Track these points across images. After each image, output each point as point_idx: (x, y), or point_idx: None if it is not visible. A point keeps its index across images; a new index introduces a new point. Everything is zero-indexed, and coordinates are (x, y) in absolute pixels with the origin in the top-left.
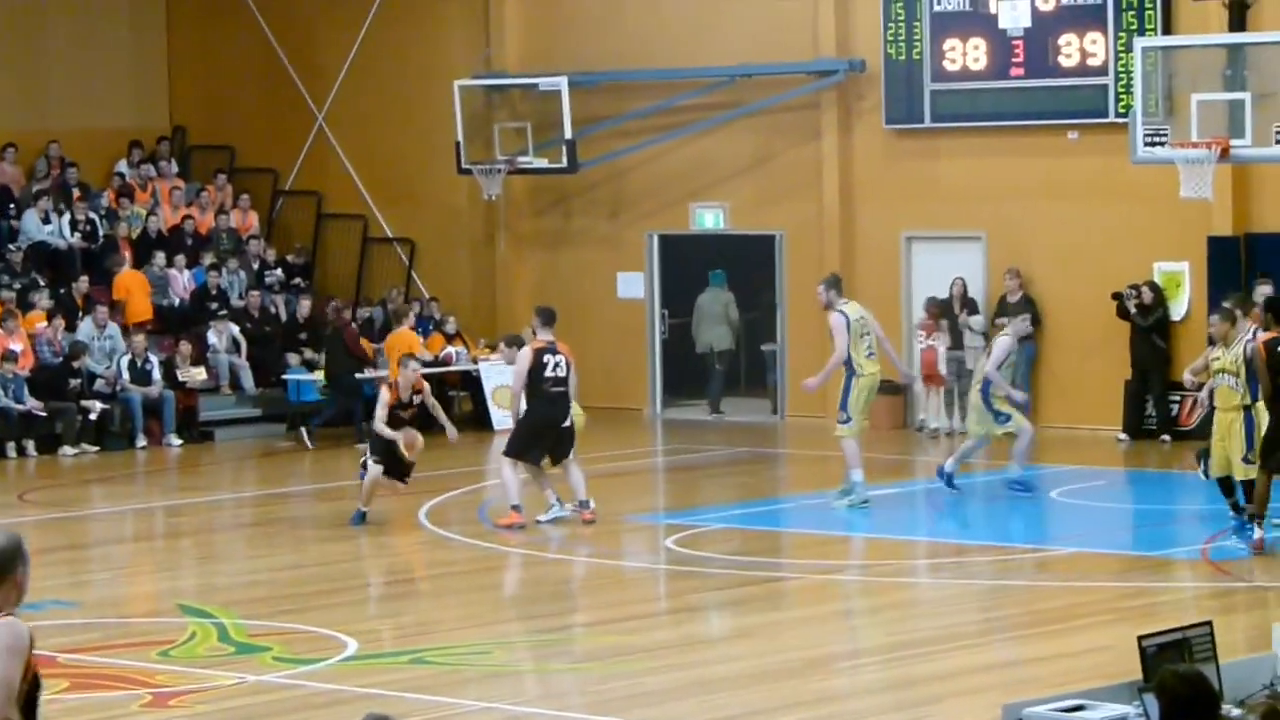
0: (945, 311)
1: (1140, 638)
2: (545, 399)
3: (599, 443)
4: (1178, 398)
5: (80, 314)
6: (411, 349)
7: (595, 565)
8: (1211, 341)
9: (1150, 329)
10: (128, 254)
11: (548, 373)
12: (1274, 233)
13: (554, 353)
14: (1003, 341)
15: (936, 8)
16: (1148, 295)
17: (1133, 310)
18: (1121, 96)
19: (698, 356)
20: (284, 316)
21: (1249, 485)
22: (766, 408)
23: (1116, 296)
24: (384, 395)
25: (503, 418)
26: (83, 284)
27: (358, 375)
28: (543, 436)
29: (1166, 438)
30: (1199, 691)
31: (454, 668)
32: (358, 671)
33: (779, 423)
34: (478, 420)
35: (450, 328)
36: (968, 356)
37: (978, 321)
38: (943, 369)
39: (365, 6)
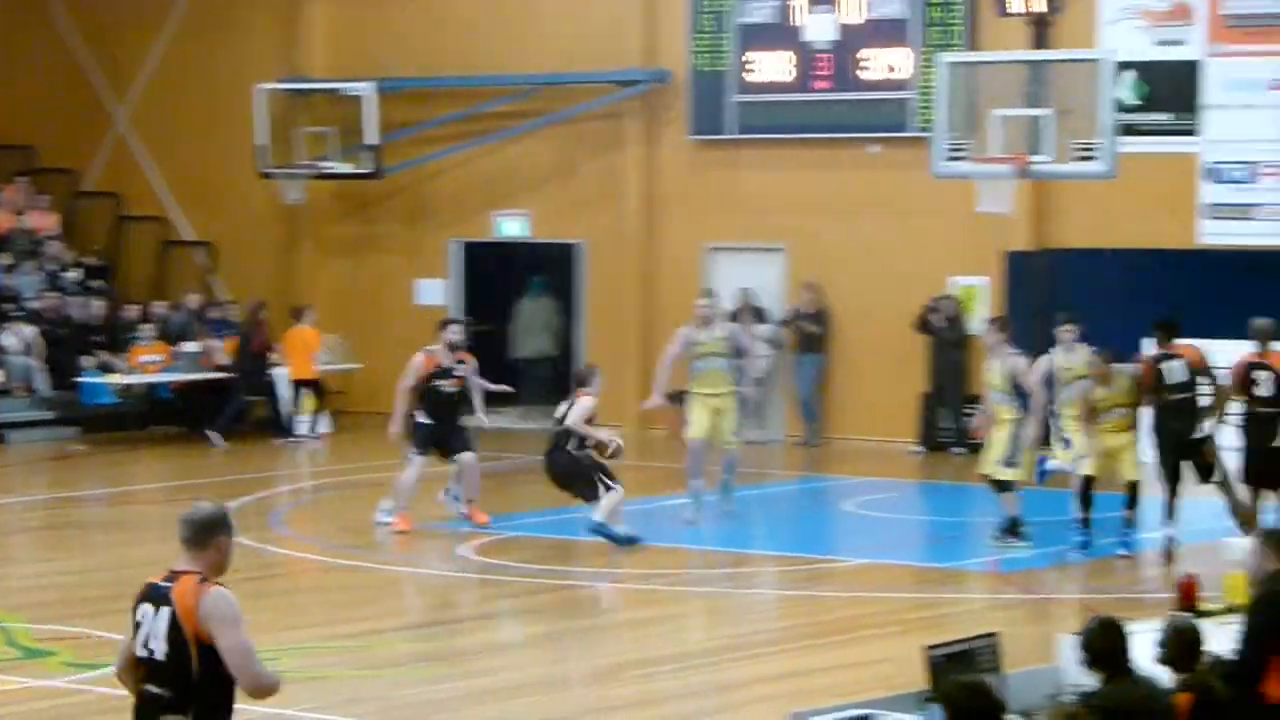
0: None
1: (927, 648)
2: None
3: (396, 448)
4: (972, 411)
5: None
6: (311, 346)
7: (392, 572)
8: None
9: (950, 343)
10: None
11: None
12: (1072, 248)
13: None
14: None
15: (743, 20)
16: (950, 309)
17: (936, 324)
18: (923, 111)
19: (505, 364)
20: (81, 319)
21: (1000, 485)
22: None
23: (928, 311)
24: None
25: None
26: None
27: (267, 374)
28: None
29: (960, 450)
30: (983, 702)
31: None
32: None
33: None
34: (273, 425)
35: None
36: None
37: (765, 330)
38: None
39: (170, 8)
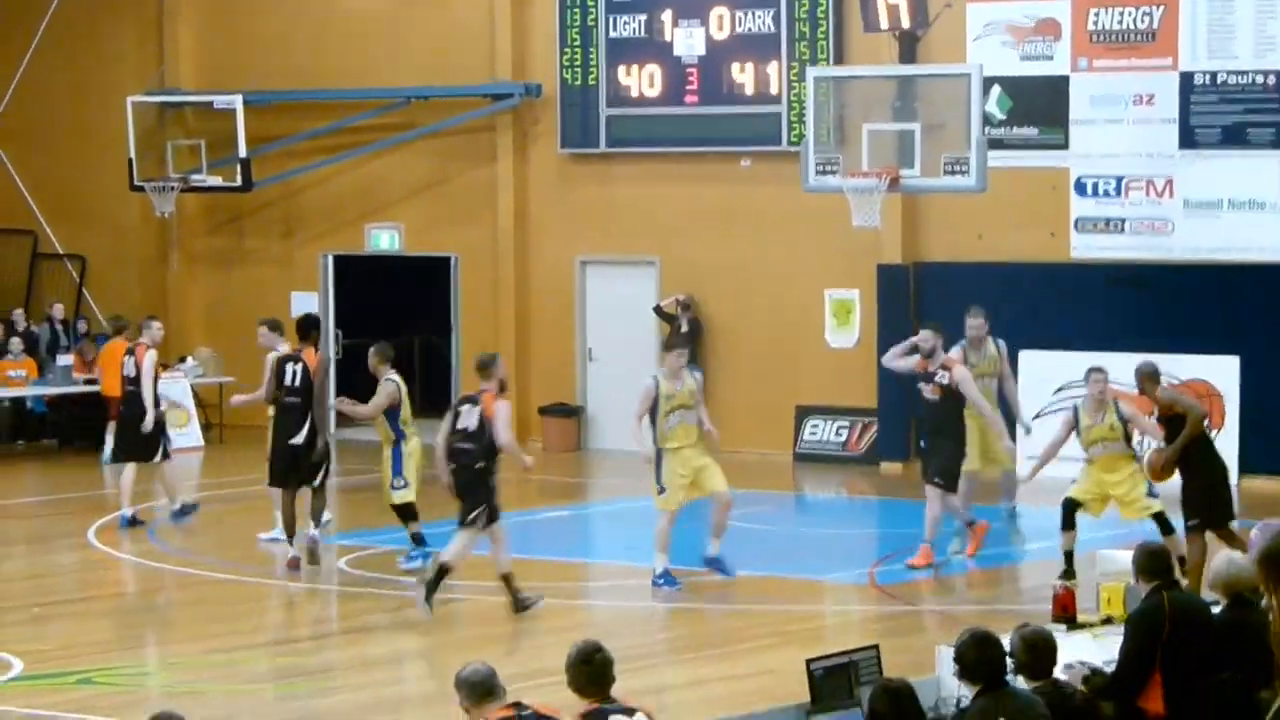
0: None
1: (808, 661)
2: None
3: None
4: (846, 423)
5: None
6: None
7: (266, 585)
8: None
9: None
10: None
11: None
12: (941, 261)
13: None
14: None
15: (612, 34)
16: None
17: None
18: (794, 125)
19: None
20: None
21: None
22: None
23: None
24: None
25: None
26: None
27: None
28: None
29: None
30: (906, 705)
31: (122, 689)
32: (23, 692)
33: None
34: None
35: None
36: None
37: None
38: None
39: (37, 19)
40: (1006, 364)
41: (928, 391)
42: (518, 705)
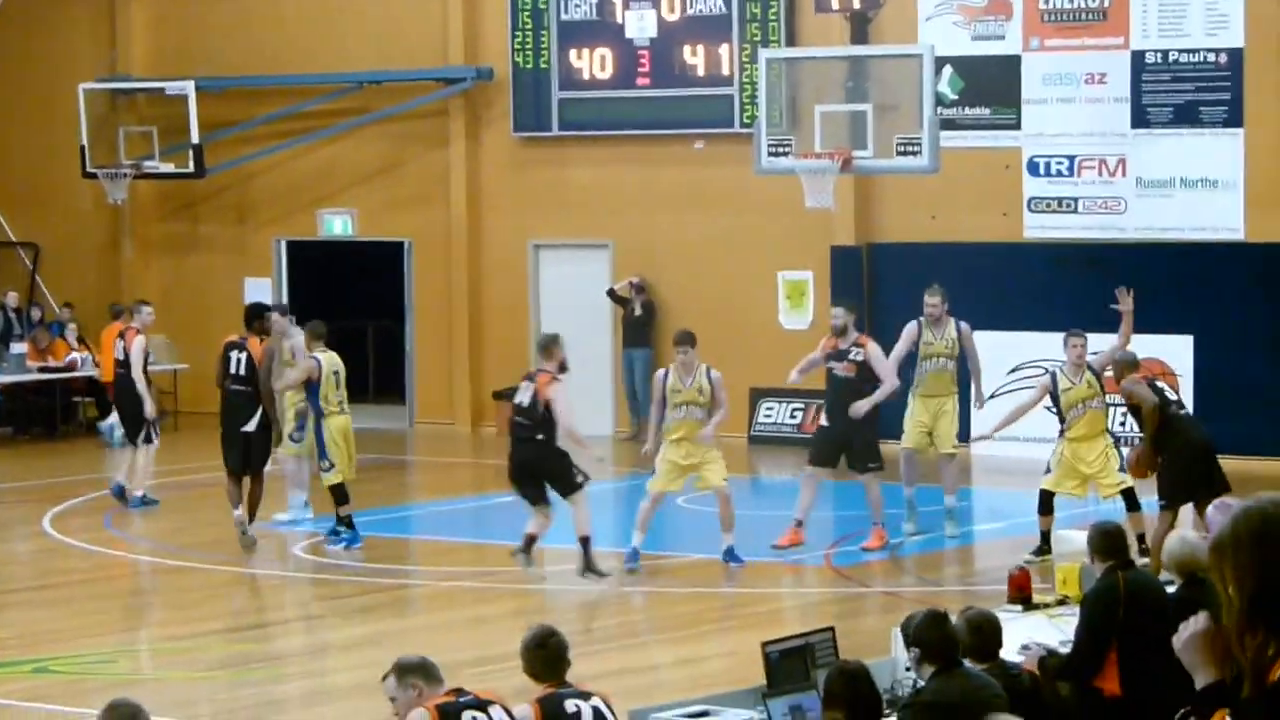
0: None
1: (764, 644)
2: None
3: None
4: (801, 405)
5: None
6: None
7: (223, 572)
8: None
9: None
10: None
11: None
12: (894, 242)
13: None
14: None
15: (564, 17)
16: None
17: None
18: (746, 107)
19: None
20: None
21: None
22: (401, 414)
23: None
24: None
25: None
26: None
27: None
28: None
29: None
30: (862, 686)
31: (78, 677)
32: None
33: (408, 430)
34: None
35: (73, 333)
36: None
37: None
38: None
39: None
40: (972, 343)
41: (840, 369)
42: (458, 691)
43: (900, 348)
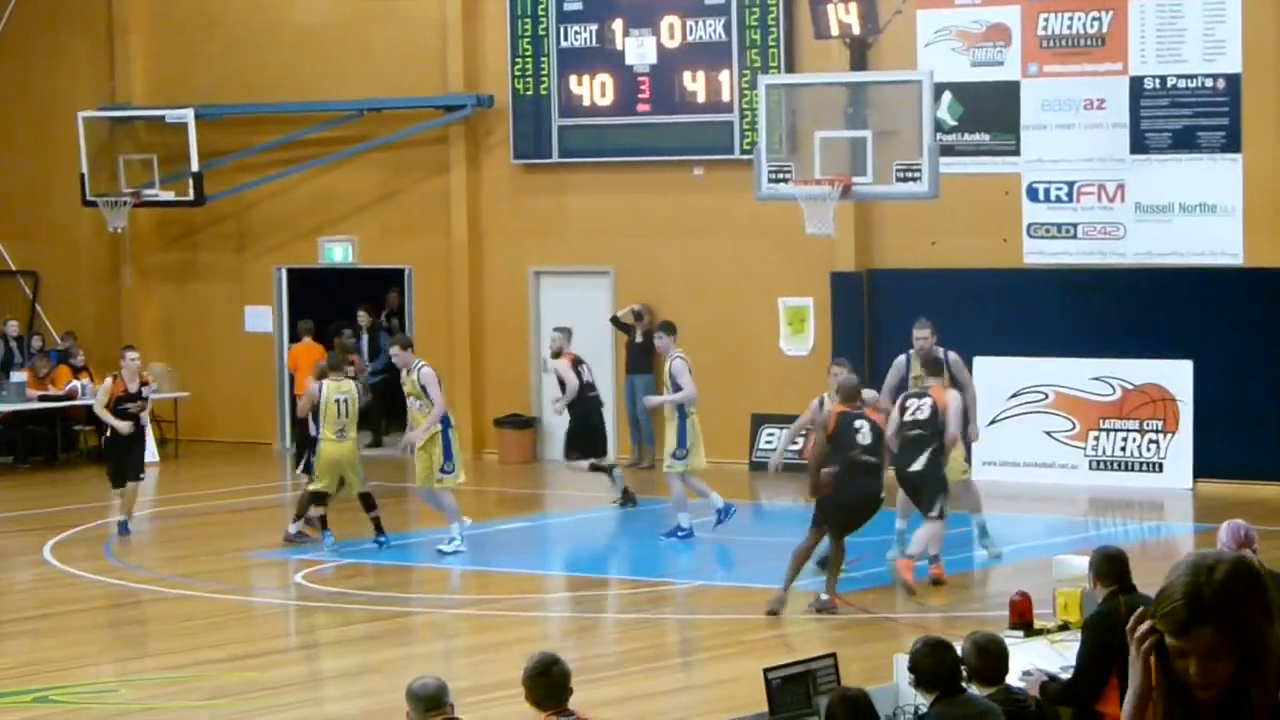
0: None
1: (766, 670)
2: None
3: (227, 477)
4: (804, 431)
5: None
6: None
7: (224, 601)
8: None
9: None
10: None
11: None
12: (894, 268)
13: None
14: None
15: (564, 44)
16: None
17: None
18: (746, 133)
19: None
20: None
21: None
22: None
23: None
24: (106, 383)
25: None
26: None
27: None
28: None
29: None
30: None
31: (80, 706)
32: None
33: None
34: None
35: (78, 361)
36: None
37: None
38: None
39: None
40: (965, 373)
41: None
42: None
43: (890, 380)
